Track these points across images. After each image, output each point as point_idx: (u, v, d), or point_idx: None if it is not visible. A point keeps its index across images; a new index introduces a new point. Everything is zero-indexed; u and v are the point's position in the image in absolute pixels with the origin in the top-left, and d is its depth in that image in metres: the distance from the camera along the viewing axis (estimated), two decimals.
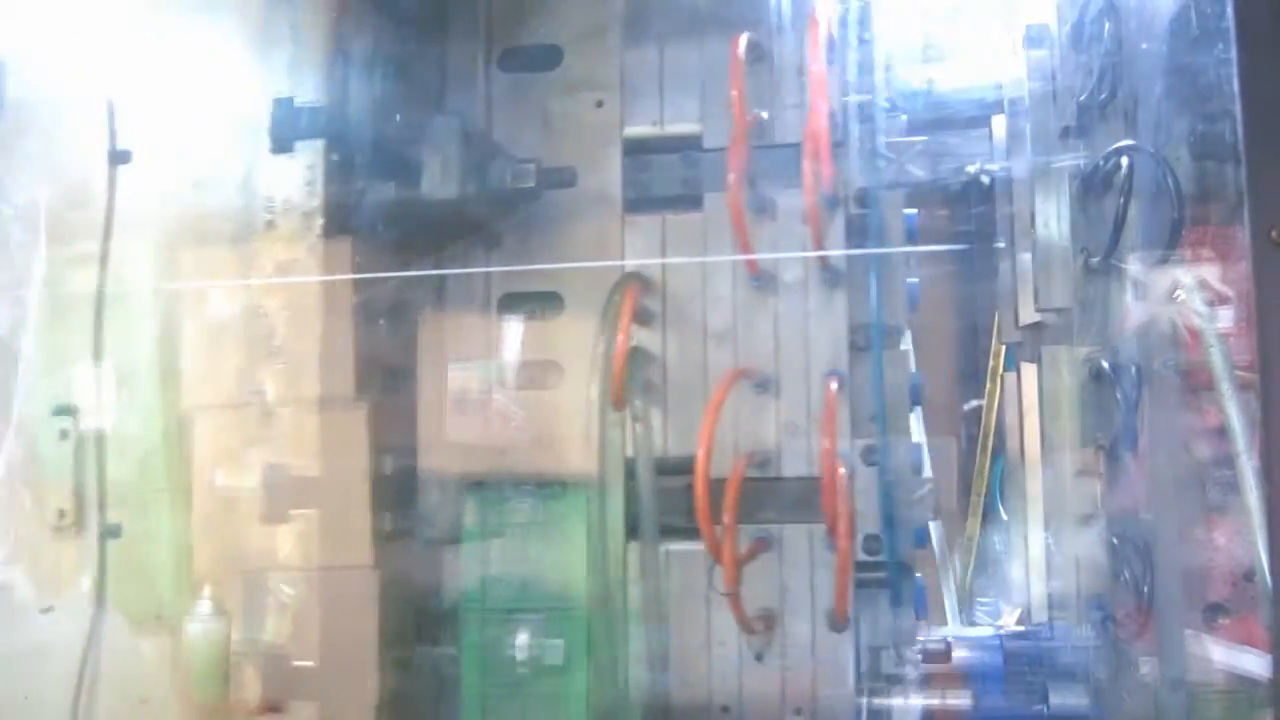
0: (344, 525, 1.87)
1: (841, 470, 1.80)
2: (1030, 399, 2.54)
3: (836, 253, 1.95)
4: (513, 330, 2.07)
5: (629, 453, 1.93)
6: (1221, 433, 1.48)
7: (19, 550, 1.89)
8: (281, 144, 1.85)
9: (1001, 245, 2.65)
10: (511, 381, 2.05)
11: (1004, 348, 2.96)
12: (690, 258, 2.00)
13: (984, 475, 3.34)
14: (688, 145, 2.03)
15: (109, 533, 1.86)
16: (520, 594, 1.96)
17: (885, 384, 1.95)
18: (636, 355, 1.92)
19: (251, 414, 1.84)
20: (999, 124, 2.62)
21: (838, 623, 1.83)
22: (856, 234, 1.98)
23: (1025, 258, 2.39)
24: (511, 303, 2.08)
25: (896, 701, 1.92)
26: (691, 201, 2.01)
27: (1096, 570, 2.11)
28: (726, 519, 1.74)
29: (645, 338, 1.98)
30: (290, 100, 1.84)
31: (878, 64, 2.07)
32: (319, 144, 1.84)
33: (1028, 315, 2.42)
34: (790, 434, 1.92)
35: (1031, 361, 2.55)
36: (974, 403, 3.46)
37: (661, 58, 2.04)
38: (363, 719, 1.99)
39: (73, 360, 1.89)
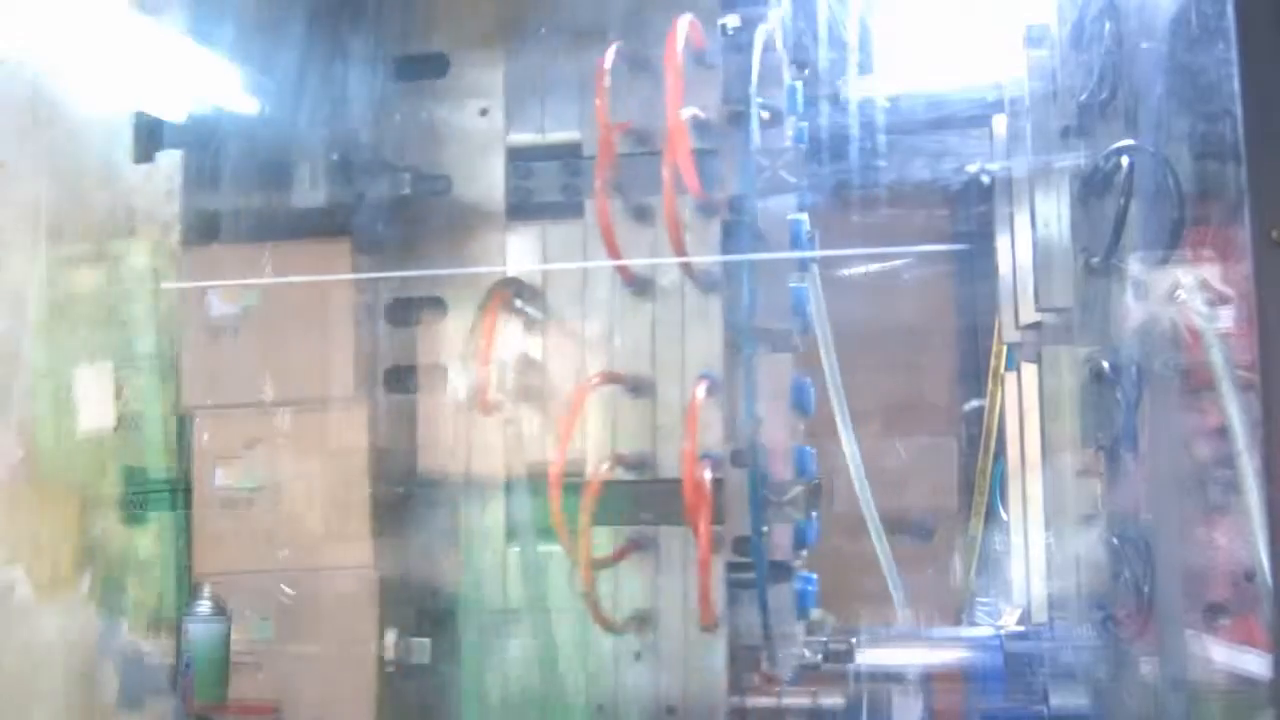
0: None
1: (707, 473, 1.82)
2: (1031, 399, 2.54)
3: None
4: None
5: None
6: (1222, 433, 1.48)
7: None
8: (143, 154, 1.93)
9: (1001, 245, 2.65)
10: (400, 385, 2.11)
11: (1004, 348, 2.96)
12: (569, 264, 2.04)
13: (986, 475, 3.34)
14: (569, 153, 2.07)
15: None
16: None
17: (763, 388, 1.98)
18: (515, 360, 1.97)
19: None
20: (999, 124, 2.63)
21: (705, 624, 1.86)
22: (734, 240, 2.01)
23: (1025, 258, 2.40)
24: (399, 308, 2.12)
25: (767, 701, 1.95)
26: (573, 209, 2.05)
27: (1097, 570, 2.11)
28: (582, 520, 1.76)
29: (525, 343, 2.03)
30: (151, 113, 1.94)
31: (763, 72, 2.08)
32: (178, 154, 1.93)
33: (1028, 315, 2.42)
34: (665, 437, 1.95)
35: (1032, 361, 2.55)
36: (974, 403, 3.46)
37: (544, 66, 2.08)
38: (362, 718, 2.00)
39: None
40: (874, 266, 3.54)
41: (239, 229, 2.07)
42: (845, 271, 3.52)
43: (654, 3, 2.00)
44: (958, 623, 3.37)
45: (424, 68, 2.12)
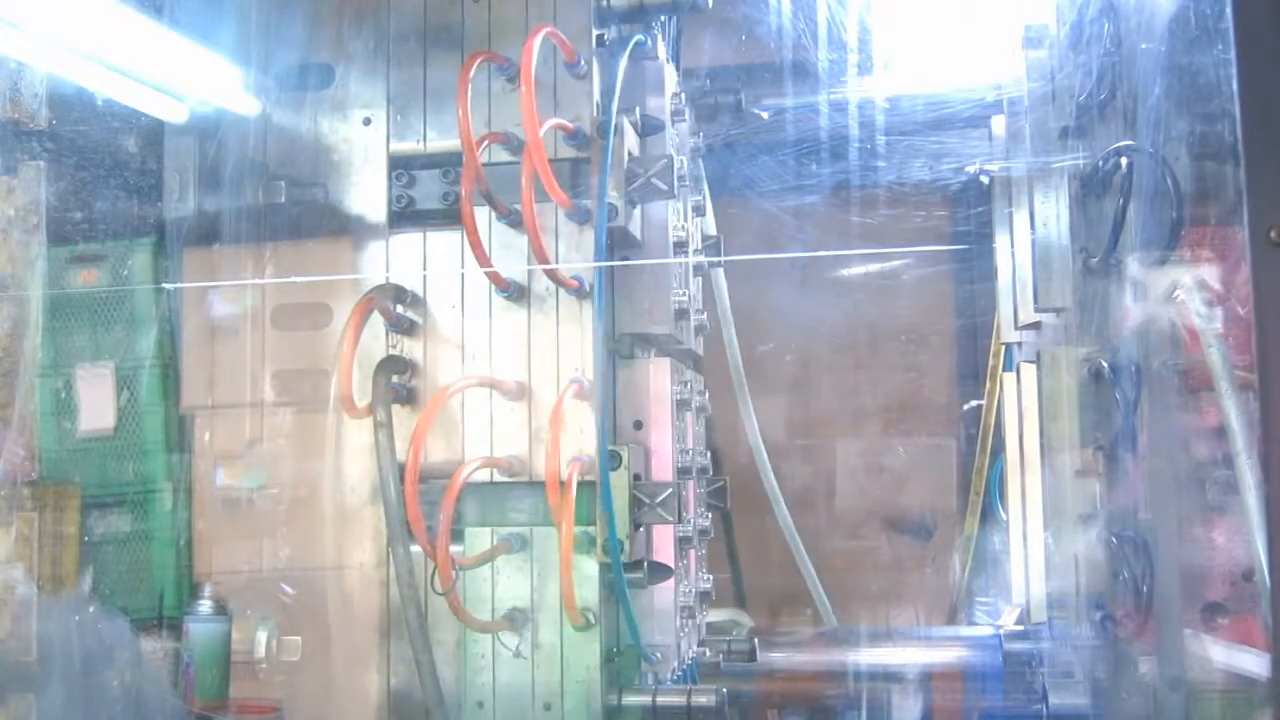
0: None
1: (573, 474, 1.88)
2: (1030, 399, 2.54)
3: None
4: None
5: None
6: (1220, 433, 1.48)
7: None
8: (5, 165, 1.98)
9: (1000, 246, 2.66)
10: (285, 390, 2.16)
11: (1004, 348, 2.96)
12: (449, 269, 2.09)
13: (983, 475, 3.34)
14: (449, 162, 2.11)
15: None
16: None
17: (644, 391, 2.06)
18: (392, 363, 2.00)
19: None
20: (998, 124, 2.63)
21: (574, 622, 1.92)
22: (620, 245, 2.06)
23: (1024, 258, 2.40)
24: (285, 314, 2.16)
25: (640, 699, 2.00)
26: (453, 216, 2.08)
27: (1096, 570, 2.12)
28: (443, 520, 1.80)
29: (407, 347, 2.06)
30: (14, 122, 1.96)
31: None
32: (40, 165, 1.96)
33: (1027, 315, 2.43)
34: (539, 440, 1.99)
35: (1031, 361, 2.56)
36: (974, 403, 3.46)
37: (425, 77, 2.12)
38: (365, 717, 2.01)
39: None
40: (874, 267, 3.55)
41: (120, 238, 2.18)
42: (845, 272, 3.53)
43: (537, 14, 2.06)
44: (951, 622, 3.38)
45: (309, 77, 2.17)
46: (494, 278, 1.99)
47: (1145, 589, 1.80)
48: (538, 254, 1.92)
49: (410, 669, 1.91)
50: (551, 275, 1.97)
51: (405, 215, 2.12)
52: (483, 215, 2.01)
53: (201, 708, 1.99)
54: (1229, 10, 1.31)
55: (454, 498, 1.83)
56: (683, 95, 2.26)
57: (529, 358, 2.03)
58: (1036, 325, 2.46)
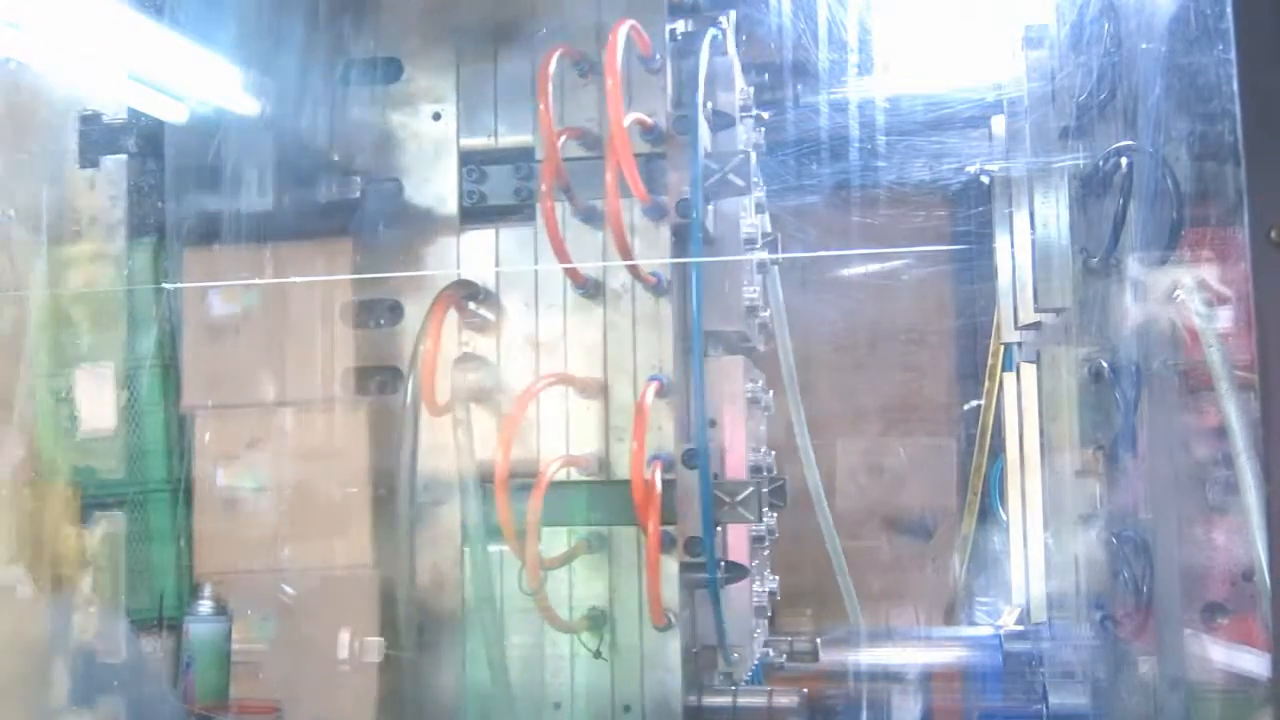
0: None
1: (657, 473, 1.85)
2: (1030, 399, 2.54)
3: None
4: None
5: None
6: (1221, 433, 1.48)
7: None
8: (87, 158, 1.92)
9: (1001, 246, 2.66)
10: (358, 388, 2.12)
11: (1004, 348, 2.97)
12: (522, 267, 2.05)
13: (981, 474, 3.35)
14: (521, 157, 2.08)
15: None
16: None
17: (717, 390, 2.02)
18: (468, 362, 1.97)
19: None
20: (998, 124, 2.63)
21: (654, 623, 1.89)
22: (684, 243, 2.01)
23: (1025, 258, 2.40)
24: (355, 311, 2.13)
25: (721, 700, 1.97)
26: (525, 212, 2.06)
27: (1096, 570, 2.12)
28: (529, 520, 1.78)
29: (479, 345, 2.03)
30: (99, 115, 1.92)
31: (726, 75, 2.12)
32: (123, 158, 1.92)
33: (1027, 315, 2.43)
34: (618, 439, 1.97)
35: (1031, 361, 2.56)
36: (974, 403, 3.46)
37: (496, 71, 2.09)
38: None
39: None
40: (874, 266, 3.55)
41: (195, 233, 2.08)
42: (845, 272, 3.54)
43: (608, 8, 2.02)
44: (950, 622, 3.38)
45: (376, 72, 2.14)
46: (572, 274, 1.96)
47: (1145, 589, 1.80)
48: (620, 250, 1.87)
49: (485, 670, 1.88)
50: (633, 271, 1.93)
51: (476, 211, 2.08)
52: (554, 211, 1.95)
53: (201, 708, 1.99)
54: (1229, 10, 1.31)
55: (541, 496, 1.79)
56: (750, 91, 2.21)
57: (605, 355, 1.99)
58: (1036, 325, 2.46)
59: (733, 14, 2.23)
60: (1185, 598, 1.71)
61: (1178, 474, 1.72)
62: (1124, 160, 1.84)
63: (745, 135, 2.21)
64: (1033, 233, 2.22)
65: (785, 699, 1.96)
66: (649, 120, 1.96)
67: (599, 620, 1.94)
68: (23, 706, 1.85)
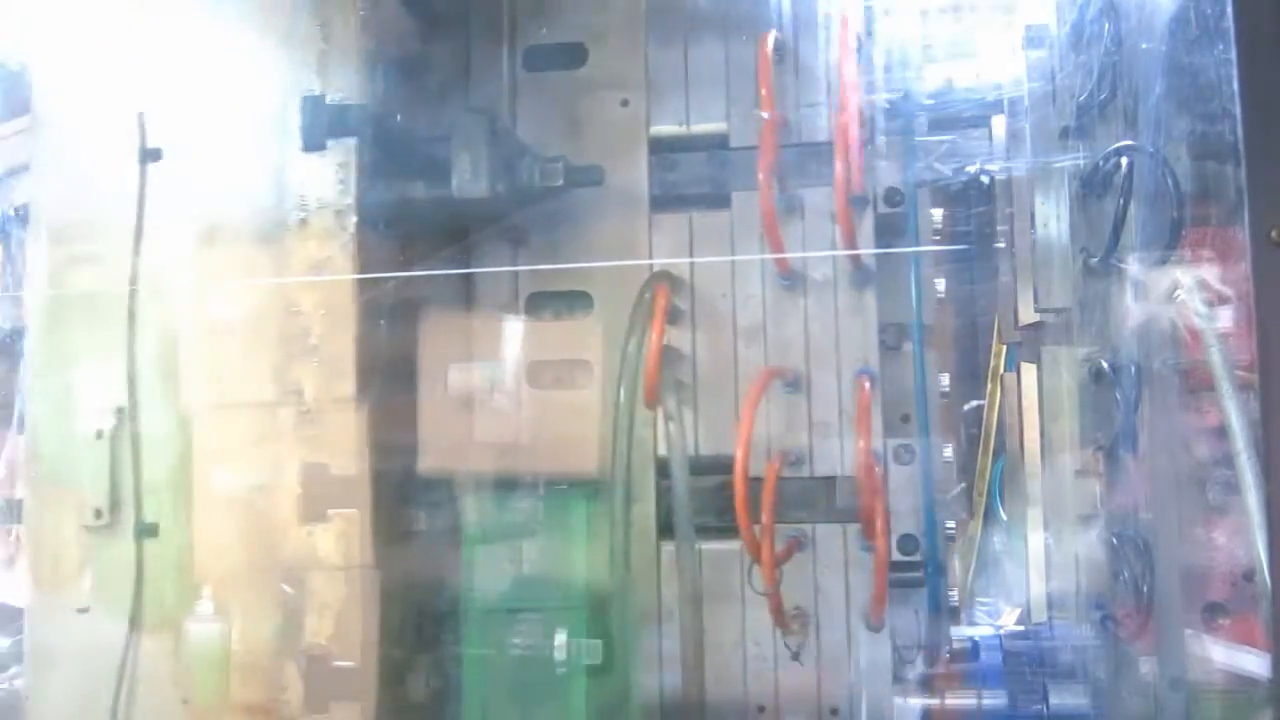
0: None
1: (878, 469, 1.81)
2: (1030, 399, 2.54)
3: (851, 252, 1.96)
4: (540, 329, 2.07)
5: (660, 452, 1.93)
6: (1221, 433, 1.48)
7: (54, 551, 1.87)
8: (313, 142, 1.82)
9: (1001, 245, 2.65)
10: (541, 381, 2.04)
11: (1004, 348, 2.96)
12: (720, 257, 2.00)
13: (985, 475, 3.34)
14: (714, 144, 2.03)
15: (146, 532, 1.85)
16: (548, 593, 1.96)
17: (918, 383, 1.97)
18: (666, 354, 1.91)
19: (288, 413, 1.82)
20: (999, 124, 2.62)
21: (873, 622, 1.84)
22: (884, 232, 1.98)
23: (1025, 258, 2.39)
24: (539, 302, 2.08)
25: (931, 701, 1.94)
26: (718, 200, 2.01)
27: (1096, 570, 2.12)
28: (765, 518, 1.73)
29: (673, 336, 1.98)
30: (321, 98, 1.82)
31: (908, 61, 2.08)
32: (351, 142, 1.81)
33: (1028, 315, 2.42)
34: (822, 433, 1.92)
35: (1031, 361, 2.55)
36: (974, 403, 3.46)
37: (686, 56, 2.04)
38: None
39: (105, 360, 1.87)
40: None
41: (405, 220, 1.98)
42: None
43: None
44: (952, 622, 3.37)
45: (561, 58, 2.08)
46: (781, 264, 1.92)
47: (1145, 589, 1.80)
48: (847, 240, 1.84)
49: (682, 671, 1.84)
50: (855, 261, 1.89)
51: (667, 199, 2.04)
52: (741, 199, 1.95)
53: (201, 709, 1.99)
54: (1229, 10, 1.31)
55: (772, 492, 1.75)
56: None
57: (806, 347, 1.95)
58: (1037, 325, 2.46)
59: None
60: (1186, 598, 1.71)
61: (1178, 474, 1.72)
62: (1124, 160, 1.83)
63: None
64: (1033, 233, 2.22)
65: (993, 699, 1.93)
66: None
67: (803, 620, 1.89)
68: (254, 711, 1.82)
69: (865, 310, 1.94)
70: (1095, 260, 1.98)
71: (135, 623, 1.84)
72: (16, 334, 2.21)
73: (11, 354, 2.20)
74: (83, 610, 1.86)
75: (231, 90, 1.89)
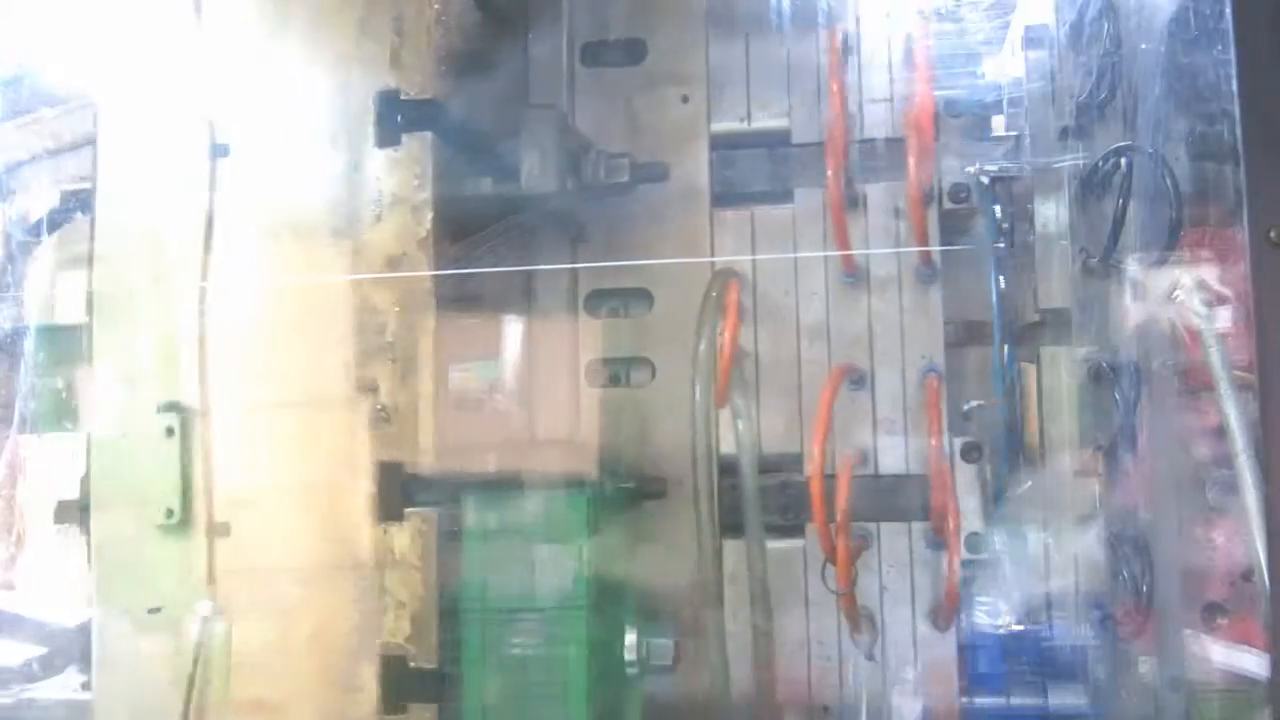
0: None
1: (943, 466, 1.81)
2: (1030, 399, 2.53)
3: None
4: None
5: (726, 450, 1.90)
6: (1220, 433, 1.48)
7: (123, 551, 1.86)
8: (387, 137, 1.81)
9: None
10: (600, 380, 2.04)
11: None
12: (783, 254, 1.99)
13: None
14: (775, 141, 2.02)
15: (218, 531, 1.83)
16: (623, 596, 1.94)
17: (998, 380, 1.98)
18: (740, 352, 1.89)
19: (363, 411, 1.80)
20: (998, 124, 2.62)
21: (942, 622, 1.83)
22: (947, 229, 1.97)
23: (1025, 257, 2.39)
24: (598, 299, 2.07)
25: (998, 701, 1.93)
26: (779, 197, 2.01)
27: (1095, 570, 2.11)
28: (840, 517, 1.72)
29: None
30: (396, 93, 1.80)
31: (977, 56, 2.08)
32: (426, 137, 1.79)
33: (1027, 315, 2.42)
34: (887, 431, 1.92)
35: (1031, 361, 2.55)
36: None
37: (747, 52, 2.03)
38: None
39: (174, 356, 1.86)
40: None
41: (477, 216, 1.98)
42: None
43: None
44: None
45: (619, 53, 2.07)
46: (846, 261, 1.91)
47: (1145, 589, 1.80)
48: (918, 235, 1.83)
49: (754, 671, 1.83)
50: (923, 257, 1.87)
51: (728, 196, 2.03)
52: (804, 196, 1.94)
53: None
54: (1229, 10, 1.31)
55: (848, 490, 1.74)
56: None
57: (870, 345, 1.94)
58: (1037, 325, 2.46)
59: None
60: (1185, 598, 1.71)
61: (1177, 474, 1.72)
62: (1123, 160, 1.83)
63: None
64: (1033, 233, 2.22)
65: (1061, 698, 1.92)
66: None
67: (870, 620, 1.88)
68: (330, 712, 1.80)
69: (931, 307, 1.93)
70: (1094, 260, 1.98)
71: (207, 623, 1.82)
72: (17, 334, 2.21)
73: (12, 354, 2.20)
74: (154, 610, 1.84)
75: (304, 85, 1.87)
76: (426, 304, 1.78)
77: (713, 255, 1.99)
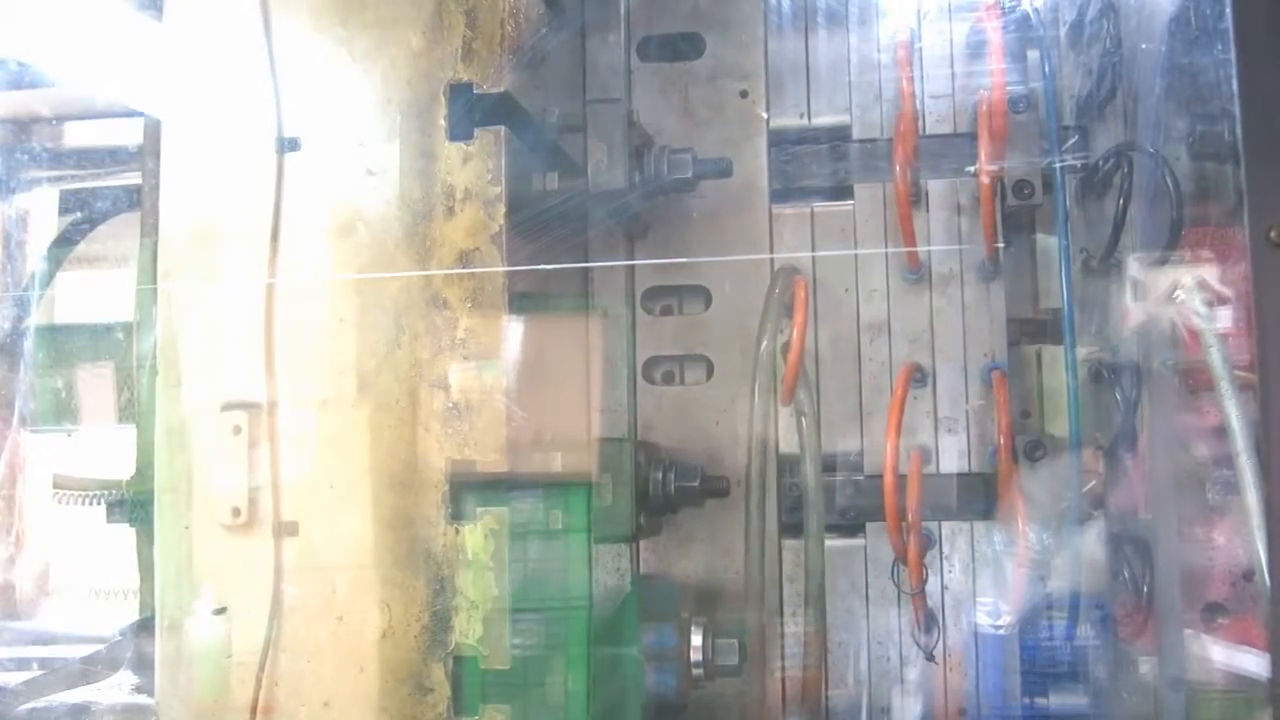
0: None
1: (1009, 463, 1.80)
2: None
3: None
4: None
5: (786, 448, 1.89)
6: (1221, 433, 1.48)
7: (187, 551, 1.84)
8: (460, 131, 1.78)
9: (1001, 245, 2.65)
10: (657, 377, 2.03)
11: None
12: (843, 250, 1.98)
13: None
14: (835, 136, 2.01)
15: (286, 530, 1.82)
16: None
17: (1071, 378, 1.93)
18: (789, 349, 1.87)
19: (435, 407, 1.79)
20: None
21: (1005, 622, 1.84)
22: (1010, 226, 1.95)
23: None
24: (655, 296, 2.06)
25: (1063, 700, 1.93)
26: (839, 193, 1.99)
27: (1096, 570, 2.11)
28: (911, 516, 1.72)
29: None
30: (469, 86, 1.77)
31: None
32: (499, 131, 1.76)
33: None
34: (949, 430, 1.91)
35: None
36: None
37: (807, 47, 2.02)
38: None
39: (240, 354, 1.85)
40: None
41: (547, 212, 1.92)
42: None
43: None
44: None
45: (677, 48, 2.06)
46: (911, 257, 1.89)
47: (1145, 589, 1.80)
48: (987, 233, 1.82)
49: (803, 670, 1.81)
50: (990, 254, 1.86)
51: (787, 192, 2.01)
52: (864, 191, 1.93)
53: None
54: (1229, 10, 1.31)
55: (919, 490, 1.73)
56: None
57: (931, 343, 1.93)
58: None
59: None
60: (1185, 598, 1.71)
61: (1178, 474, 1.72)
62: (1124, 160, 1.83)
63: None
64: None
65: (1129, 698, 1.90)
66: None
67: (929, 620, 1.86)
68: (401, 714, 1.79)
69: (993, 305, 1.92)
70: (1095, 260, 1.98)
71: (274, 622, 1.79)
72: (18, 334, 2.20)
73: (12, 354, 2.19)
74: (219, 611, 1.83)
75: (375, 78, 1.86)
76: (499, 300, 1.76)
77: (771, 252, 1.98)
